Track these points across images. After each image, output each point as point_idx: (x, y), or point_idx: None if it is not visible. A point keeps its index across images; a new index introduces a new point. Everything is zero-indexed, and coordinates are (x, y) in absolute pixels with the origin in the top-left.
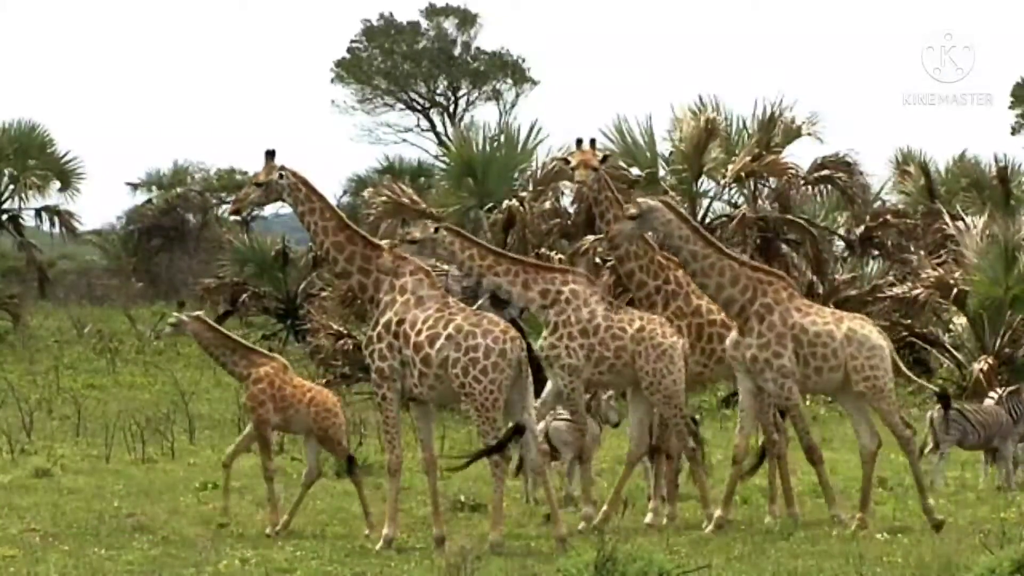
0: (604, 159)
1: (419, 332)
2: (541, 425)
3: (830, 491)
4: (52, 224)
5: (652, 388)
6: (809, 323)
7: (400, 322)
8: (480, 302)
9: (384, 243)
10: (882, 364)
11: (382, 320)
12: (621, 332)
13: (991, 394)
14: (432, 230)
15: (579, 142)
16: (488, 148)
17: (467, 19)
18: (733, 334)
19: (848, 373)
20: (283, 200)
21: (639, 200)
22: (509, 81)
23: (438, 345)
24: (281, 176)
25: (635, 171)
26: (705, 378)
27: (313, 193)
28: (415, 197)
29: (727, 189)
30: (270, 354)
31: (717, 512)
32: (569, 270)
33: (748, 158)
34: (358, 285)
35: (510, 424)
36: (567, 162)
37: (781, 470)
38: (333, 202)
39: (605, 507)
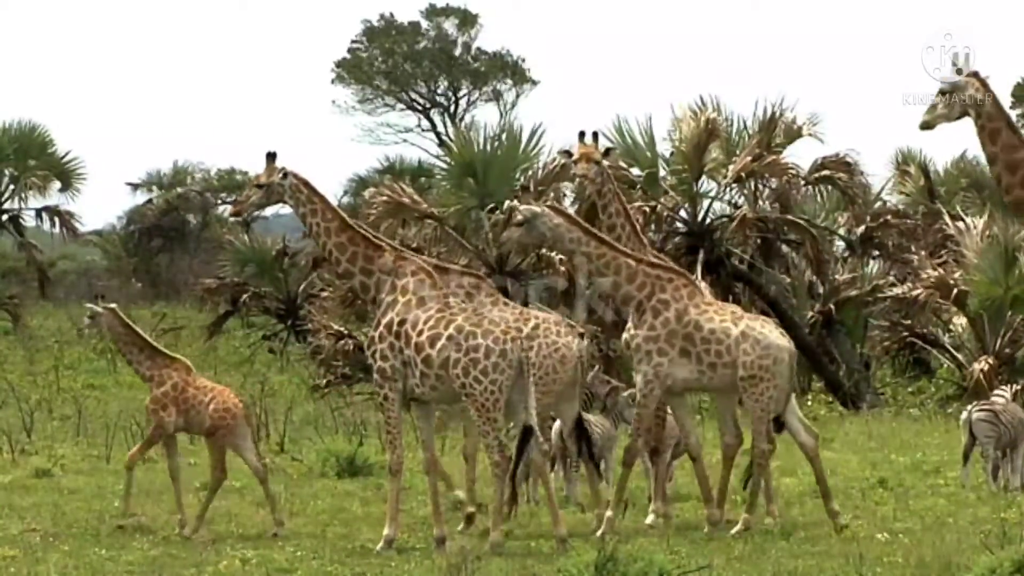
0: (607, 152)
1: (420, 332)
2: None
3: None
4: (52, 224)
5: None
6: (705, 320)
7: (402, 322)
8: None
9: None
10: (773, 367)
11: (384, 320)
12: (517, 331)
13: (999, 392)
14: (280, 175)
15: (581, 135)
16: (489, 148)
17: (467, 19)
18: (629, 326)
19: (737, 370)
20: (284, 202)
21: (522, 207)
22: (509, 81)
23: (439, 345)
24: (284, 177)
25: (635, 171)
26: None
27: (315, 194)
28: (416, 197)
29: (727, 189)
30: (175, 355)
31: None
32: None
33: (749, 158)
34: (360, 286)
35: (512, 426)
36: (569, 155)
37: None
38: (334, 202)
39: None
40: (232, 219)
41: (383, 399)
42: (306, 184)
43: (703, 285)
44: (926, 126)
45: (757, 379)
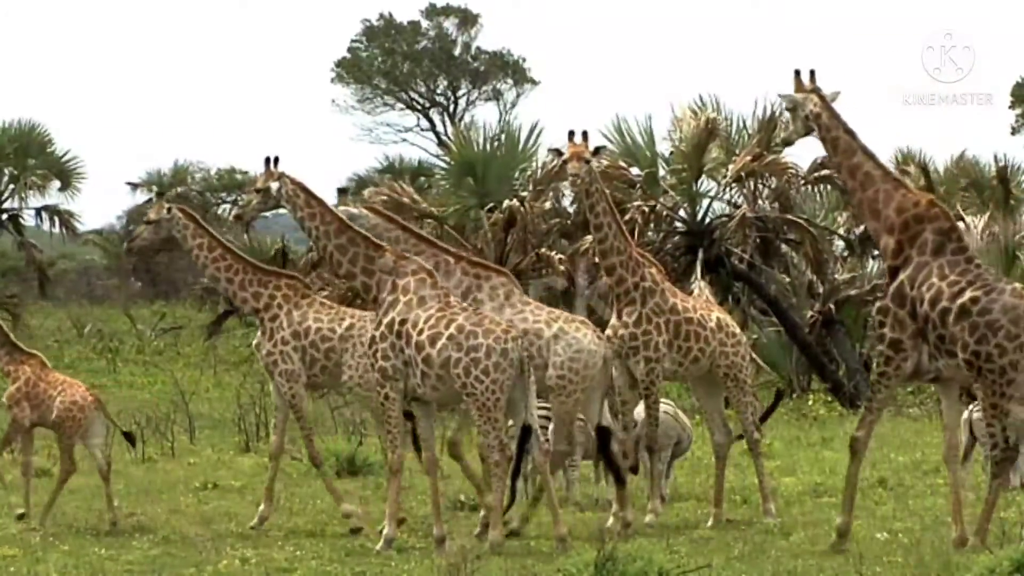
0: (597, 151)
1: (421, 332)
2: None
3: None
4: (52, 224)
5: (353, 381)
6: (520, 320)
7: (403, 322)
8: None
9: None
10: (584, 370)
11: (384, 320)
12: (331, 333)
13: None
14: (165, 210)
15: (571, 135)
16: (488, 148)
17: (467, 19)
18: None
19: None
20: (282, 206)
21: (340, 208)
22: (509, 81)
23: (439, 345)
24: (280, 181)
25: (635, 171)
26: (680, 376)
27: (312, 198)
28: (415, 197)
29: (727, 189)
30: (31, 351)
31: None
32: (286, 274)
33: (748, 158)
34: (362, 286)
35: (511, 425)
36: (560, 154)
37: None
38: (333, 203)
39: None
40: (235, 222)
41: (384, 399)
42: (303, 188)
43: (703, 284)
44: (785, 143)
45: (566, 380)
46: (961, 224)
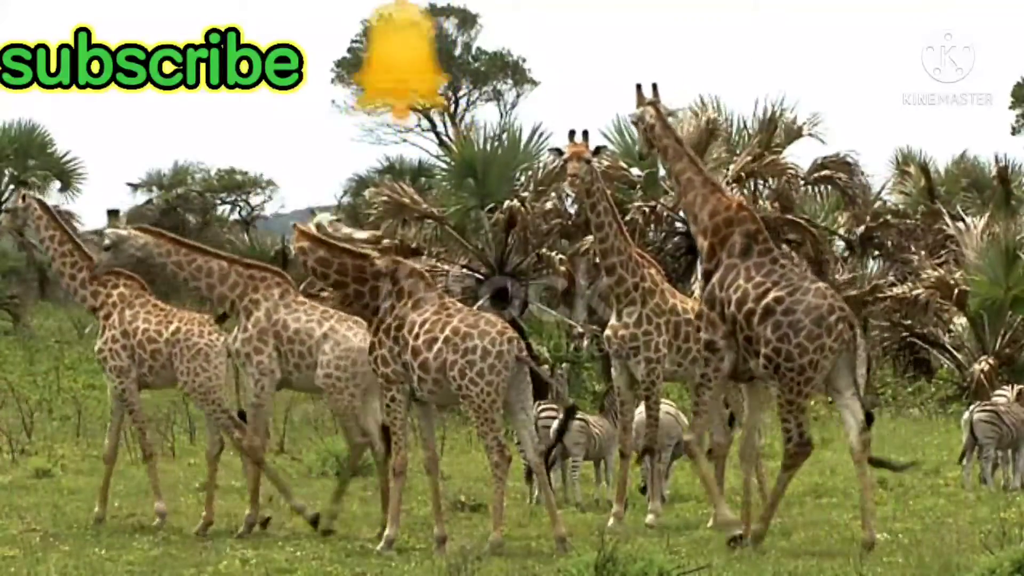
0: (597, 151)
1: (416, 336)
2: (554, 425)
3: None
4: None
5: (187, 387)
6: (293, 319)
7: (399, 327)
8: (480, 302)
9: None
10: (352, 367)
11: (382, 326)
12: (157, 335)
13: (1001, 392)
14: (22, 199)
15: (571, 134)
16: (489, 148)
17: (467, 19)
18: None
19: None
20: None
21: (108, 232)
22: (509, 81)
23: (435, 349)
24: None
25: (635, 171)
26: (679, 376)
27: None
28: (416, 197)
29: (728, 189)
30: None
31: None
32: (126, 275)
33: (749, 158)
34: (355, 294)
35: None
36: (560, 153)
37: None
38: (334, 203)
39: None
40: None
41: (391, 400)
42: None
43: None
44: (640, 156)
45: (333, 379)
46: (961, 224)
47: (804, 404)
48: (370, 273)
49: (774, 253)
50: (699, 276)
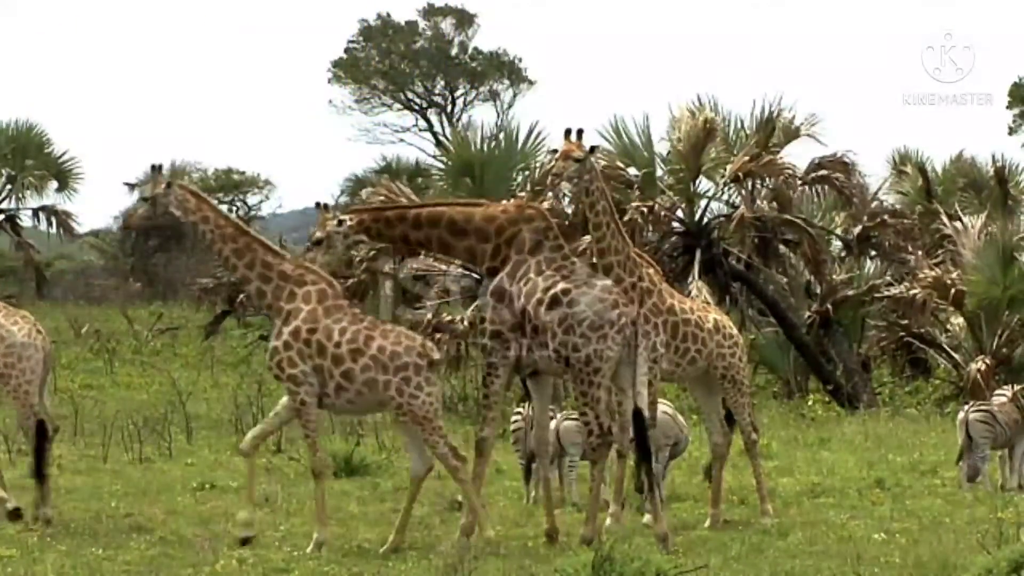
0: (592, 150)
1: (337, 344)
2: (552, 424)
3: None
4: (50, 224)
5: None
6: None
7: (311, 331)
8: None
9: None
10: (19, 363)
11: (287, 329)
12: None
13: (1000, 392)
14: (165, 186)
15: (567, 133)
16: (486, 148)
17: (465, 19)
18: None
19: None
20: (171, 213)
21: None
22: (506, 81)
23: (361, 364)
24: (169, 188)
25: (632, 171)
26: (677, 377)
27: (203, 203)
28: (413, 197)
29: (725, 189)
30: None
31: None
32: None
33: (746, 158)
34: (256, 291)
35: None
36: (557, 153)
37: (715, 470)
38: (331, 202)
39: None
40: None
41: (300, 404)
42: (194, 194)
43: (700, 284)
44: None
45: (3, 376)
46: (958, 224)
47: (598, 395)
48: (276, 273)
49: (565, 250)
50: (483, 276)
